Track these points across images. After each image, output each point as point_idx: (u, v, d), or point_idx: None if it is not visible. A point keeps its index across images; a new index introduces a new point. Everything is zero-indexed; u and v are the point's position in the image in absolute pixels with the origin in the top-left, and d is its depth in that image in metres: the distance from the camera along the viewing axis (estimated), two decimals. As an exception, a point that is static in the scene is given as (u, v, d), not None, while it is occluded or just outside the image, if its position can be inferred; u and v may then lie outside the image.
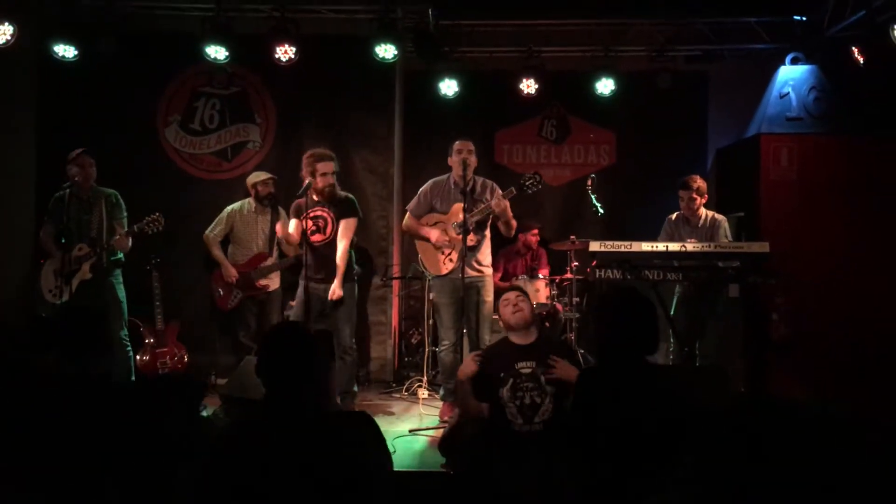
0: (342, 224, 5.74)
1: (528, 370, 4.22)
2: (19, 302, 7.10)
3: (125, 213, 6.09)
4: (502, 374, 4.23)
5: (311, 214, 5.73)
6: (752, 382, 5.56)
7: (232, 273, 6.61)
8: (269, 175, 6.79)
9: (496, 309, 4.53)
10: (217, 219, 6.84)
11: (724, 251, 5.55)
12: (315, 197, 5.75)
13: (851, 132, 7.11)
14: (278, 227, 6.18)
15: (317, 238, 5.74)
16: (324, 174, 5.67)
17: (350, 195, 5.92)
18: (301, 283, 5.79)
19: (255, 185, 6.73)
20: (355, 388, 5.95)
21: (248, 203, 6.81)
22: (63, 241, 5.78)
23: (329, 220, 5.72)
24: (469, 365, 4.34)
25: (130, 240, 5.97)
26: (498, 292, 6.86)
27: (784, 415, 2.25)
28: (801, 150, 7.07)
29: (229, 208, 6.87)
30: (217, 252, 6.76)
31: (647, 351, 3.09)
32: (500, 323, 4.52)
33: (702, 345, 6.18)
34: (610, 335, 3.10)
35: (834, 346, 6.43)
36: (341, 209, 5.77)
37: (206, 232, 6.81)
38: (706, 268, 5.55)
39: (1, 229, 7.44)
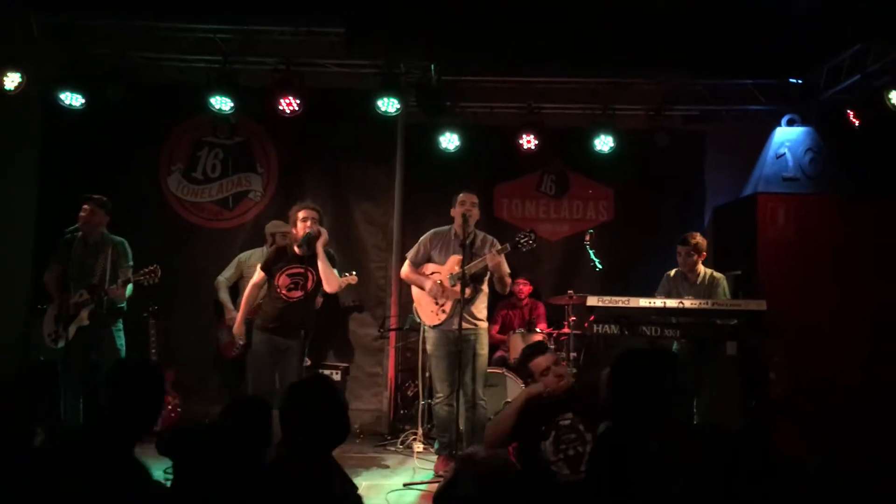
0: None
1: (568, 422, 4.17)
2: (16, 348, 7.06)
3: (131, 262, 6.04)
4: (544, 428, 4.18)
5: (290, 271, 5.71)
6: (749, 441, 5.51)
7: (234, 318, 6.58)
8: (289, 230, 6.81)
9: (529, 373, 4.40)
10: (229, 265, 6.87)
11: (722, 309, 5.57)
12: (297, 250, 5.72)
13: (847, 193, 7.19)
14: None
15: (294, 294, 5.70)
16: (304, 220, 5.65)
17: (330, 251, 5.91)
18: (260, 333, 5.73)
19: (273, 235, 6.74)
20: None
21: (259, 252, 6.82)
22: (65, 285, 5.78)
23: (310, 276, 5.64)
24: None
25: (127, 289, 5.96)
26: (493, 345, 6.88)
27: (785, 471, 2.25)
28: (798, 210, 7.13)
29: (241, 255, 6.91)
30: (223, 296, 6.77)
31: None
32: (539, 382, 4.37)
33: (699, 402, 6.15)
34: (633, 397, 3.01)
35: (832, 405, 6.40)
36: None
37: (219, 277, 6.82)
38: (704, 325, 5.57)
39: (1, 273, 7.43)
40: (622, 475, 2.84)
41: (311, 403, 2.70)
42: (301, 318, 5.60)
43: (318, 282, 5.70)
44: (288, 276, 5.70)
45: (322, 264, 5.65)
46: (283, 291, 5.67)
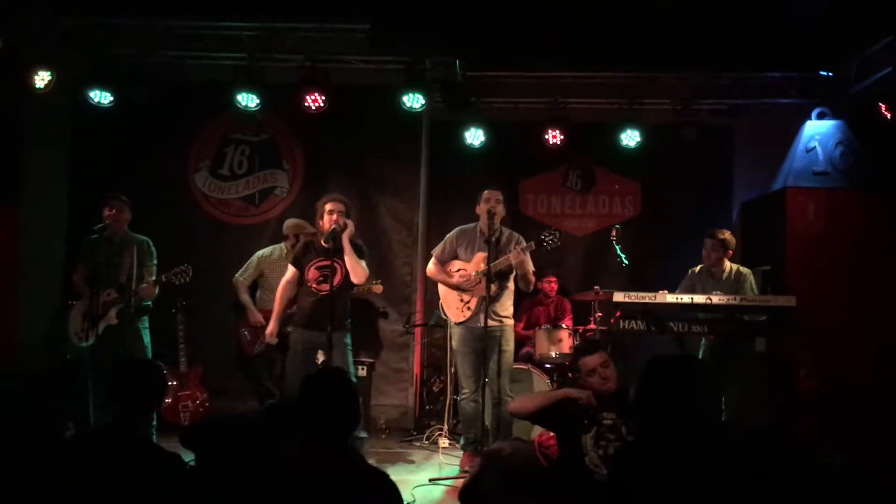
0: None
1: (611, 422, 4.15)
2: (47, 346, 7.16)
3: (156, 261, 6.08)
4: (586, 421, 4.17)
5: (319, 264, 5.71)
6: (777, 439, 5.45)
7: (258, 318, 6.63)
8: (312, 230, 6.81)
9: (576, 370, 4.37)
10: (247, 263, 6.90)
11: (751, 305, 5.51)
12: (324, 244, 5.73)
13: (878, 187, 7.08)
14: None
15: (323, 287, 5.69)
16: (330, 212, 5.64)
17: (359, 242, 5.90)
18: (296, 330, 5.70)
19: (297, 235, 6.76)
20: (364, 434, 5.89)
21: (279, 248, 6.87)
22: (93, 284, 5.84)
23: (339, 269, 5.66)
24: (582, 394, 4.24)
25: (157, 288, 6.01)
26: (519, 341, 6.86)
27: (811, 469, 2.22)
28: (828, 205, 7.05)
29: (259, 253, 6.92)
30: (245, 296, 6.79)
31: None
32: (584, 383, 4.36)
33: (727, 399, 6.09)
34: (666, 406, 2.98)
35: (861, 401, 6.32)
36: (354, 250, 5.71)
37: (236, 276, 6.86)
38: (732, 321, 5.52)
39: (32, 272, 7.54)
40: (646, 481, 2.81)
41: (323, 397, 2.72)
42: (334, 312, 5.60)
43: (347, 275, 5.70)
44: (317, 268, 5.71)
45: (348, 256, 5.64)
46: (314, 285, 5.69)
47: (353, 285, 5.78)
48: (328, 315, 5.54)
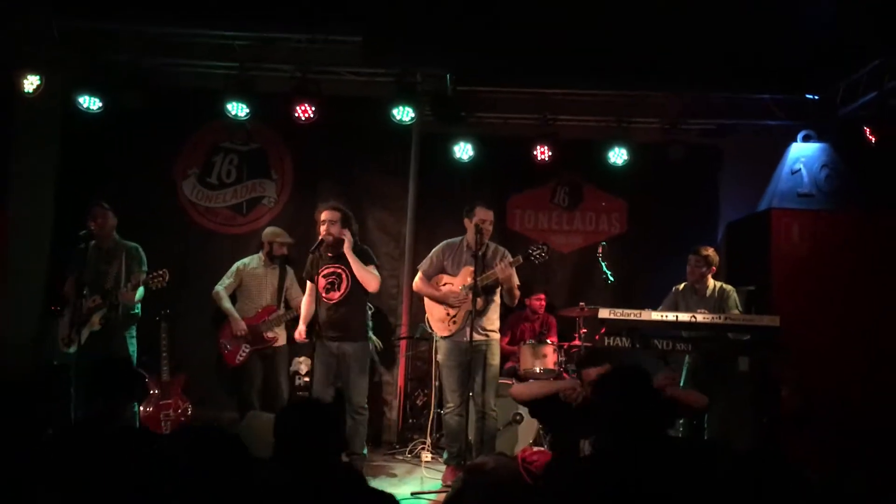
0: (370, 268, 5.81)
1: None
2: (32, 349, 7.10)
3: (145, 268, 6.09)
4: (585, 426, 4.15)
5: (324, 272, 5.76)
6: (766, 460, 5.47)
7: (241, 326, 6.60)
8: (289, 239, 6.84)
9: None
10: (227, 273, 6.88)
11: (735, 323, 5.54)
12: (328, 253, 5.79)
13: (863, 210, 7.14)
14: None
15: (332, 296, 5.74)
16: (323, 222, 5.71)
17: (363, 245, 5.98)
18: (317, 343, 5.76)
19: (271, 243, 6.77)
20: (364, 451, 5.90)
21: (258, 258, 6.86)
22: (80, 290, 5.82)
23: (344, 276, 5.73)
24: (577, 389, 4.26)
25: (139, 292, 5.98)
26: (504, 356, 6.87)
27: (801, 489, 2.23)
28: (812, 226, 7.10)
29: (239, 263, 6.91)
30: (226, 305, 6.77)
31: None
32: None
33: (710, 417, 6.11)
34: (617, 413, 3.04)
35: (844, 422, 6.35)
36: (360, 259, 5.80)
37: (217, 286, 6.83)
38: (716, 339, 5.54)
39: (18, 275, 7.49)
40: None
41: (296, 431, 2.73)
42: (348, 320, 5.61)
43: (356, 281, 5.72)
44: (323, 277, 5.74)
45: (355, 267, 5.69)
46: (324, 294, 5.72)
47: (367, 293, 5.81)
48: (343, 323, 5.57)
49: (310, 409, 2.85)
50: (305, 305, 5.98)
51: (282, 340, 6.70)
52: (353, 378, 5.71)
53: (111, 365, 3.54)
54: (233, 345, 6.69)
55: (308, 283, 5.93)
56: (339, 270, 5.74)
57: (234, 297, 6.86)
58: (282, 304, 6.77)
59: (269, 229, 6.95)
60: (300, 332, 5.97)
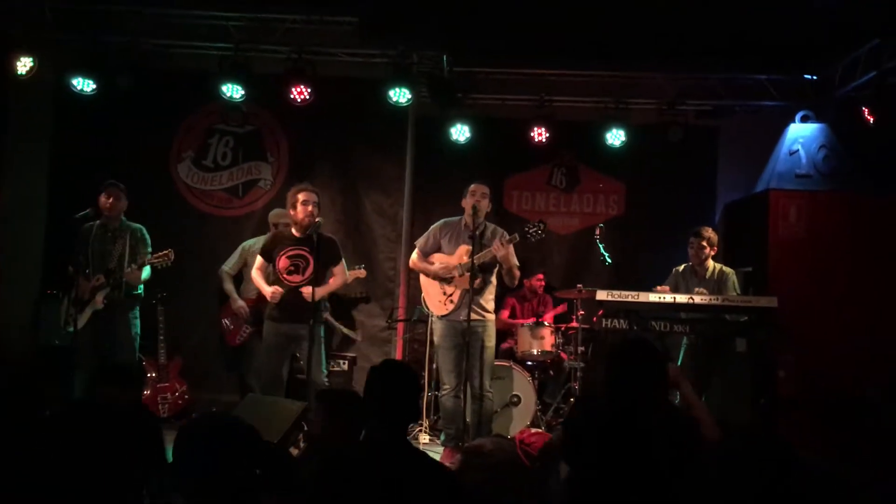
0: (336, 270, 5.80)
1: None
2: (26, 332, 7.10)
3: (150, 249, 6.07)
4: None
5: (290, 252, 5.69)
6: (765, 441, 5.50)
7: (240, 304, 6.56)
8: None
9: None
10: (234, 253, 6.85)
11: (732, 305, 5.54)
12: (295, 233, 5.71)
13: (860, 190, 7.14)
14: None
15: (294, 279, 5.67)
16: (304, 203, 5.62)
17: (332, 236, 5.92)
18: (268, 323, 5.72)
19: (276, 224, 6.71)
20: None
21: (263, 239, 6.80)
22: (81, 268, 5.81)
23: (311, 262, 5.63)
24: None
25: (145, 272, 5.97)
26: (502, 333, 6.86)
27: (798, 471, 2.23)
28: (810, 207, 7.09)
29: (245, 244, 6.88)
30: (228, 286, 6.74)
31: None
32: None
33: (707, 398, 6.13)
34: (619, 385, 3.08)
35: (841, 403, 6.37)
36: (327, 254, 5.70)
37: (223, 266, 6.81)
38: (713, 321, 5.55)
39: (11, 258, 7.47)
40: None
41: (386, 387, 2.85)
42: (306, 304, 5.56)
43: (317, 272, 5.62)
44: (287, 258, 5.66)
45: (337, 280, 5.77)
46: (284, 275, 5.65)
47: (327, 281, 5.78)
48: (301, 307, 5.50)
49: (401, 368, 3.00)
50: (256, 280, 5.85)
51: None
52: (317, 359, 5.63)
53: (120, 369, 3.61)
54: (234, 324, 6.68)
55: (259, 257, 5.83)
56: (305, 254, 5.63)
57: (241, 278, 6.84)
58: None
59: (274, 211, 6.89)
60: (275, 292, 5.67)
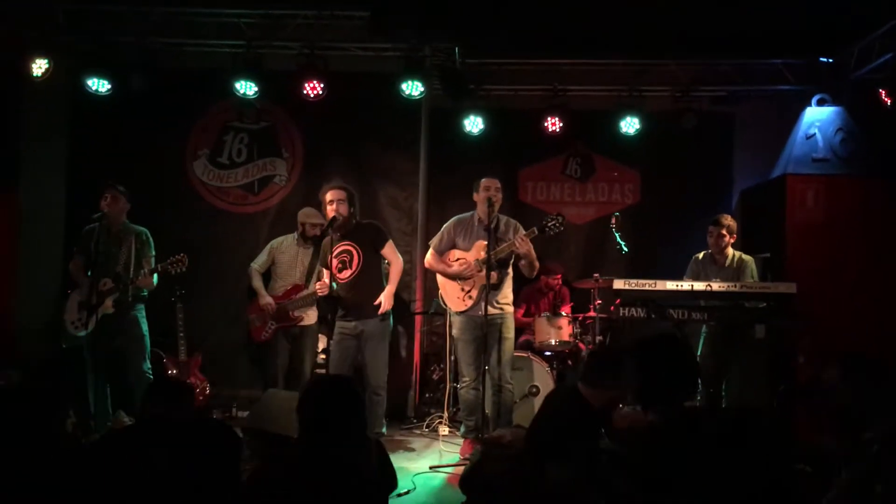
0: (387, 252, 5.85)
1: None
2: (48, 334, 7.16)
3: (153, 252, 6.11)
4: None
5: (335, 251, 5.76)
6: (777, 425, 5.47)
7: (267, 300, 6.57)
8: (322, 220, 6.74)
9: None
10: (263, 251, 6.88)
11: (751, 291, 5.51)
12: (337, 233, 5.78)
13: (878, 173, 7.07)
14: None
15: (344, 275, 5.75)
16: (330, 202, 5.70)
17: (372, 220, 5.97)
18: (336, 323, 5.79)
19: (304, 224, 6.70)
20: (384, 430, 5.93)
21: (292, 237, 6.79)
22: (90, 273, 5.84)
23: (355, 252, 5.72)
24: None
25: (155, 277, 6.01)
26: (519, 328, 6.87)
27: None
28: (828, 192, 7.03)
29: (274, 241, 6.86)
30: (256, 283, 6.76)
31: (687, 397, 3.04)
32: None
33: (727, 386, 6.11)
34: (653, 380, 3.04)
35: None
36: (369, 236, 5.80)
37: (252, 263, 6.84)
38: (732, 308, 5.51)
39: (31, 259, 7.54)
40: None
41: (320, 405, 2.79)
42: (363, 298, 5.63)
43: (369, 260, 5.75)
44: (335, 257, 5.75)
45: (394, 272, 5.85)
46: (337, 274, 5.73)
47: (381, 270, 5.84)
48: (358, 302, 5.57)
49: (332, 385, 2.87)
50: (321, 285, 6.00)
51: (310, 320, 6.56)
52: (370, 357, 5.71)
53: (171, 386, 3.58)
54: (260, 321, 6.70)
55: (325, 270, 5.93)
56: (350, 248, 5.74)
57: (270, 275, 6.87)
58: (312, 284, 6.70)
59: (303, 210, 6.84)
60: (323, 285, 5.90)
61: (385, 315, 5.77)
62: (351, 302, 5.72)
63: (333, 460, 2.61)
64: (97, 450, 2.96)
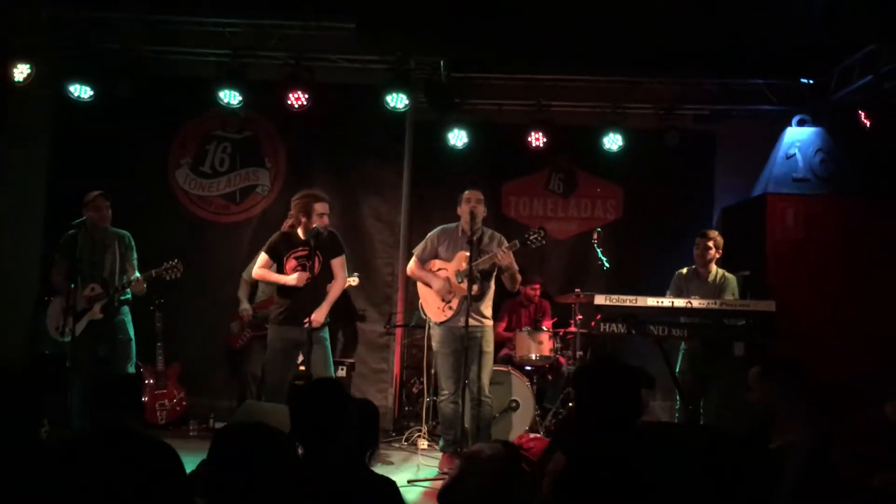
0: (336, 262, 5.76)
1: None
2: (24, 340, 7.09)
3: (136, 255, 6.08)
4: None
5: (298, 254, 5.69)
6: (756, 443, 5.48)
7: (245, 308, 6.54)
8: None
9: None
10: (254, 259, 6.83)
11: (730, 309, 5.54)
12: (301, 236, 5.72)
13: (857, 193, 7.15)
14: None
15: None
16: (321, 214, 5.65)
17: (333, 230, 5.92)
18: (273, 328, 5.71)
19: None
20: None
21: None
22: (75, 280, 5.77)
23: (317, 261, 5.60)
24: None
25: (146, 283, 5.97)
26: (500, 343, 6.87)
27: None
28: (807, 211, 7.10)
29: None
30: (239, 292, 6.72)
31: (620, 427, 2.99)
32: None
33: (706, 403, 6.12)
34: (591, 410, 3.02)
35: (840, 407, 6.36)
36: (330, 248, 5.74)
37: (243, 273, 6.79)
38: (712, 325, 5.54)
39: (9, 267, 7.45)
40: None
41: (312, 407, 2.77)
42: (312, 306, 5.55)
43: (325, 268, 5.66)
44: (295, 258, 5.69)
45: (335, 288, 5.74)
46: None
47: (330, 283, 5.77)
48: (310, 308, 5.49)
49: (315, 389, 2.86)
50: (269, 277, 5.80)
51: None
52: (318, 362, 5.61)
53: (118, 383, 3.45)
54: (237, 328, 6.68)
55: (264, 255, 5.77)
56: (312, 255, 5.62)
57: (257, 286, 6.82)
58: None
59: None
60: (301, 278, 5.67)
61: (327, 321, 5.71)
62: (298, 308, 5.59)
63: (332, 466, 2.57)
64: (52, 459, 2.89)
